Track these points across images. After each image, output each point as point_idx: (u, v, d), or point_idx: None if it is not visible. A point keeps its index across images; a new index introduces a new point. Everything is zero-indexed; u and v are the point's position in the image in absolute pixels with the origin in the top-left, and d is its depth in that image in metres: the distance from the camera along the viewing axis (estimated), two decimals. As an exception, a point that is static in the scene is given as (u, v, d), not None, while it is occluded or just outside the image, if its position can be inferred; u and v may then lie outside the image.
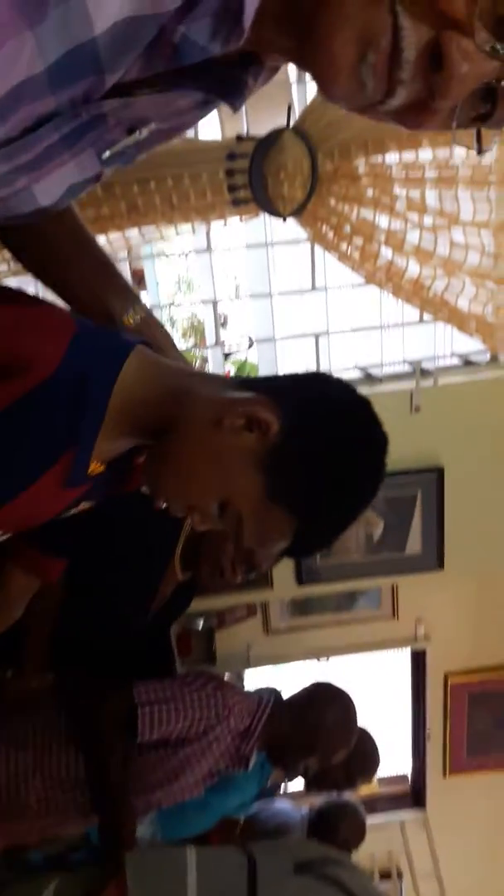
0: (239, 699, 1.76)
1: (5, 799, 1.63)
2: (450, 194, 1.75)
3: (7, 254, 1.23)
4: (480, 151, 0.68)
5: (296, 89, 1.84)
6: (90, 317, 0.98)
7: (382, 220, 1.79)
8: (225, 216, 1.78)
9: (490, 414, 2.21)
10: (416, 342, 2.26)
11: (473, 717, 2.83)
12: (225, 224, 1.82)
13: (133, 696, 1.65)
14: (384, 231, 1.79)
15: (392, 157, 1.72)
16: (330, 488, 0.84)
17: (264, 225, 2.01)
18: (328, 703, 1.89)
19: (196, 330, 3.73)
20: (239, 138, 1.71)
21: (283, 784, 2.63)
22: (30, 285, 1.27)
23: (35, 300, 0.93)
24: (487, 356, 2.20)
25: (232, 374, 3.66)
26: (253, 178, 1.72)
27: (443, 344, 2.25)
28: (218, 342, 2.18)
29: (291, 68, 1.78)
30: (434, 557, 2.43)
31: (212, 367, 2.26)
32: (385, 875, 2.97)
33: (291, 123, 1.68)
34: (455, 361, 2.27)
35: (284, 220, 1.79)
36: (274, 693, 1.88)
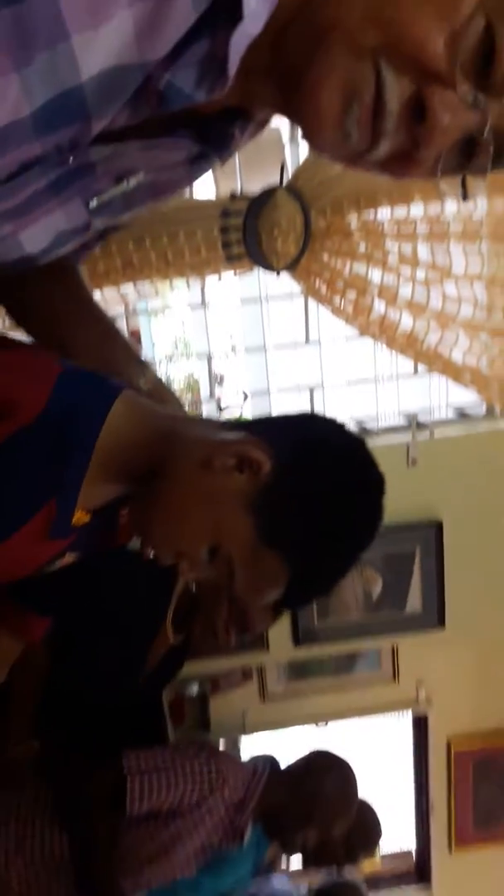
0: (233, 768, 1.69)
1: (-16, 879, 1.53)
2: (441, 248, 1.77)
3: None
4: (466, 197, 0.68)
5: (289, 149, 1.88)
6: None
7: (375, 274, 1.80)
8: (219, 271, 1.80)
9: (488, 467, 2.19)
10: (411, 395, 2.26)
11: (479, 787, 2.70)
12: (219, 279, 1.83)
13: (122, 765, 1.57)
14: (377, 285, 1.81)
15: (384, 213, 1.75)
16: (325, 530, 0.81)
17: (258, 279, 2.02)
18: (326, 771, 1.81)
19: (192, 388, 3.77)
20: (233, 196, 1.74)
21: (280, 860, 2.49)
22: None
23: (18, 343, 0.91)
24: (483, 409, 2.19)
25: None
26: (247, 235, 1.74)
27: (438, 396, 2.25)
28: (213, 396, 2.17)
29: (284, 129, 1.83)
30: (435, 616, 2.36)
31: (206, 422, 2.24)
32: None
33: (284, 182, 1.71)
34: (451, 414, 2.26)
35: (278, 274, 1.81)
36: (270, 761, 1.80)
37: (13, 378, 0.78)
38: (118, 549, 1.08)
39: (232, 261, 1.77)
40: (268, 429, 0.85)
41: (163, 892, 1.69)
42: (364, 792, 1.87)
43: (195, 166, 0.77)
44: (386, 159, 0.63)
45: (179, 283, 1.81)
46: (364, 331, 1.89)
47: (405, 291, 1.81)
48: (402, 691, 2.59)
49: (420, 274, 1.80)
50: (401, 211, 1.73)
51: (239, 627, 1.61)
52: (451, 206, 1.73)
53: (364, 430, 2.17)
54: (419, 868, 2.87)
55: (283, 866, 2.70)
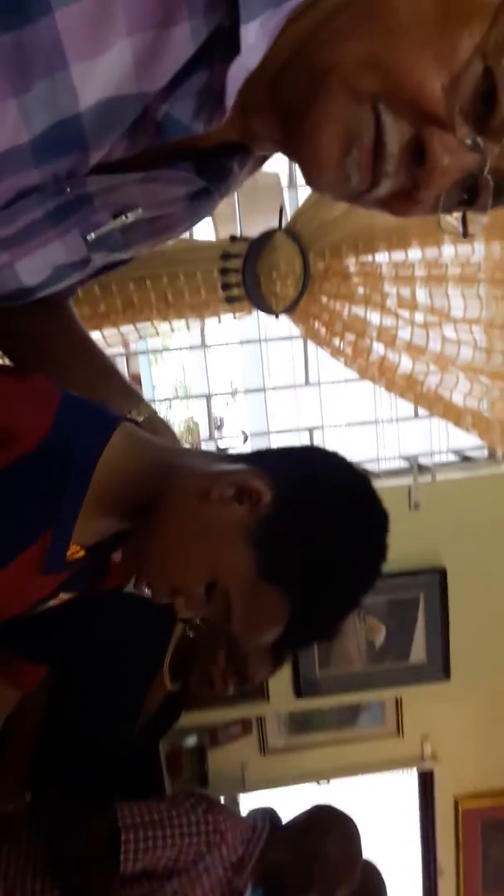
0: (232, 824, 1.61)
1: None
2: (440, 292, 1.78)
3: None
4: (466, 234, 0.68)
5: (287, 193, 1.91)
6: None
7: (374, 317, 1.81)
8: (219, 313, 1.81)
9: (491, 511, 2.16)
10: (411, 437, 2.24)
11: (488, 848, 2.59)
12: (219, 321, 1.84)
13: (116, 819, 1.50)
14: (376, 327, 1.81)
15: (382, 256, 1.76)
16: (327, 566, 0.78)
17: (257, 321, 2.04)
18: (329, 828, 1.74)
19: (192, 432, 3.79)
20: (233, 239, 1.76)
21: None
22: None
23: (19, 369, 0.90)
24: (485, 452, 2.17)
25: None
26: (246, 277, 1.76)
27: (438, 439, 2.24)
28: (212, 437, 2.16)
29: (283, 173, 1.87)
30: (440, 666, 2.30)
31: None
32: None
33: (283, 225, 1.74)
34: (452, 457, 2.24)
35: (277, 317, 1.82)
36: (270, 816, 1.72)
37: (14, 406, 0.77)
38: (115, 594, 1.05)
39: (231, 302, 1.78)
40: (268, 460, 0.83)
41: None
42: (368, 851, 1.79)
43: (195, 203, 0.77)
44: (386, 198, 0.64)
45: (179, 325, 1.82)
46: (363, 373, 1.89)
47: (404, 334, 1.82)
48: (406, 746, 2.52)
49: (419, 317, 1.81)
50: (399, 254, 1.75)
51: (237, 676, 1.56)
52: (449, 250, 1.75)
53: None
54: (428, 937, 2.73)
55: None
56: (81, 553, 0.84)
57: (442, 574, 2.21)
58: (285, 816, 1.77)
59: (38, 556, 0.77)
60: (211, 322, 1.85)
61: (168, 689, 1.63)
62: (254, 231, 1.76)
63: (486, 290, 1.79)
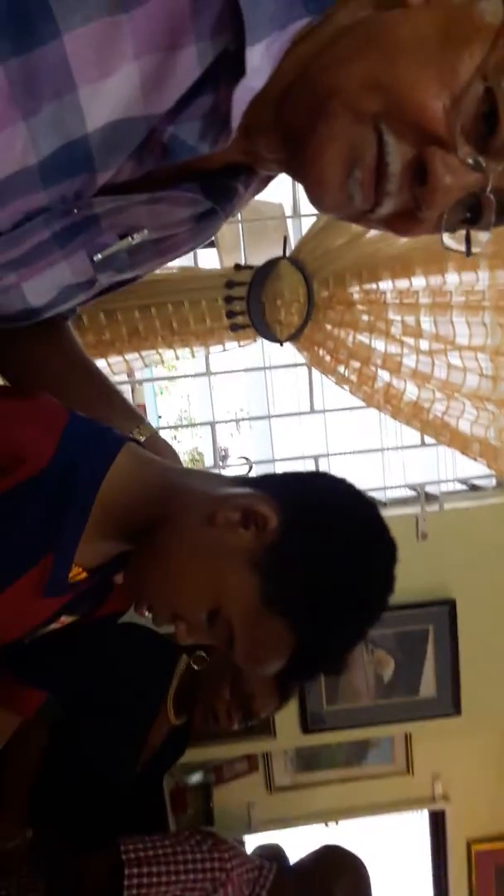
0: (238, 862, 1.56)
1: None
2: (445, 319, 1.78)
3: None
4: (469, 253, 0.68)
5: (291, 222, 1.93)
6: None
7: (379, 344, 1.81)
8: (223, 341, 1.81)
9: (500, 541, 2.12)
10: (418, 465, 2.23)
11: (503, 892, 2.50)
12: (224, 349, 1.84)
13: (120, 853, 1.46)
14: (381, 354, 1.81)
15: (386, 284, 1.76)
16: (333, 594, 0.75)
17: (262, 349, 2.04)
18: (339, 871, 1.68)
19: (196, 463, 3.79)
20: (237, 267, 1.77)
21: None
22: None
23: (24, 390, 0.90)
24: (493, 481, 2.15)
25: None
26: (251, 305, 1.76)
27: (445, 467, 2.22)
28: (217, 467, 2.15)
29: (287, 203, 1.89)
30: (450, 701, 2.24)
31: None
32: None
33: (287, 254, 1.75)
34: (459, 486, 2.22)
35: (282, 344, 1.82)
36: (276, 854, 1.66)
37: (20, 429, 0.76)
38: (118, 624, 1.04)
39: (236, 330, 1.78)
40: (275, 485, 0.82)
41: None
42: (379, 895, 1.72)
43: (200, 224, 0.77)
44: (389, 218, 0.65)
45: (184, 353, 1.82)
46: (369, 400, 1.88)
47: (409, 361, 1.81)
48: (417, 785, 2.46)
49: (424, 344, 1.81)
50: (403, 282, 1.75)
51: (243, 711, 1.53)
52: (454, 278, 1.75)
53: (371, 502, 2.13)
54: None
55: None
56: (83, 575, 0.82)
57: (451, 605, 2.17)
58: (293, 856, 1.71)
59: (39, 579, 0.76)
60: (216, 350, 1.85)
61: (172, 723, 1.60)
62: (258, 260, 1.77)
63: (490, 317, 1.79)
